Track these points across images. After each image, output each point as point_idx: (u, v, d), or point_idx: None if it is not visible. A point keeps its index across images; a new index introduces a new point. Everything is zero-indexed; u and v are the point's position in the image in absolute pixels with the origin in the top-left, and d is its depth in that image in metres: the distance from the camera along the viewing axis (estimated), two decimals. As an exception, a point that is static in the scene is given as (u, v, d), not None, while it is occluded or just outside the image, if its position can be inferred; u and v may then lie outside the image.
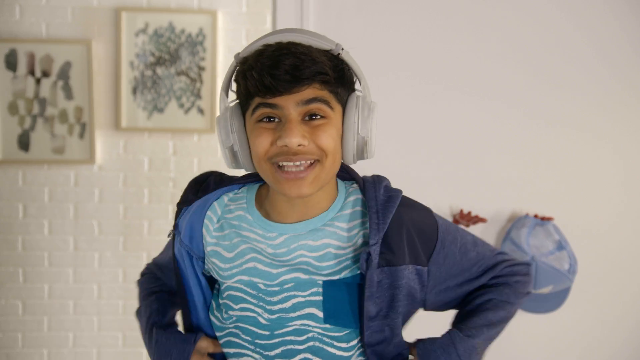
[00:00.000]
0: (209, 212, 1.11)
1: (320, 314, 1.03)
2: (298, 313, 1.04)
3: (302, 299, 1.03)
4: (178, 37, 2.73)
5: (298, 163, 0.96)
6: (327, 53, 0.99)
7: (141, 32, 2.72)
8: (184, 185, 1.18)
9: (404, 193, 1.09)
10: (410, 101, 1.84)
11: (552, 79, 1.86)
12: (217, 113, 2.78)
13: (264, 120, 0.98)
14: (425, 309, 1.13)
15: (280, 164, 0.97)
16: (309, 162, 0.97)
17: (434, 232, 1.08)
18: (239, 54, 1.02)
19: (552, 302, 1.88)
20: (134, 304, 2.88)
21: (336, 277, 1.03)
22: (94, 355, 2.88)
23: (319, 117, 0.97)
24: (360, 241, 1.04)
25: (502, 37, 1.85)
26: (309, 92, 0.96)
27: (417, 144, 1.86)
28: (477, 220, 1.87)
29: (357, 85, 1.06)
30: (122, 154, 2.83)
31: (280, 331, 1.05)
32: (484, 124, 1.88)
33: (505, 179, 1.90)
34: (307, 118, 0.97)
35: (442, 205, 1.89)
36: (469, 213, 1.87)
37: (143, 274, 1.30)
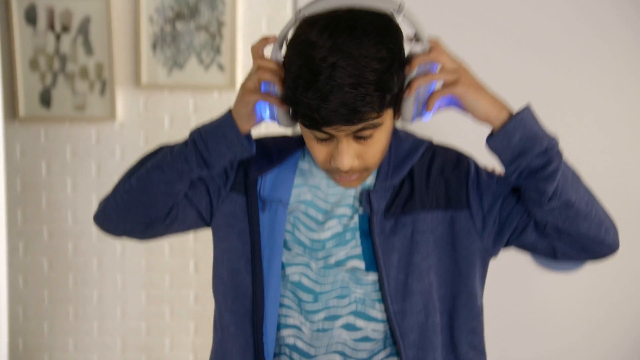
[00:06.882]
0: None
1: (363, 265, 1.10)
2: (342, 268, 1.11)
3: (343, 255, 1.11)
4: (197, -10, 2.66)
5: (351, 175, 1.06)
6: (383, 59, 0.95)
7: (160, -14, 2.66)
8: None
9: None
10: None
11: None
12: (238, 69, 2.71)
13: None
14: (495, 248, 1.11)
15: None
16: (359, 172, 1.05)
17: (465, 160, 1.13)
18: (300, 11, 0.98)
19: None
20: (158, 262, 2.88)
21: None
22: (118, 312, 2.90)
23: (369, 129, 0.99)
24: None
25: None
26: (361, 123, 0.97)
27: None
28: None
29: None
30: (143, 111, 2.80)
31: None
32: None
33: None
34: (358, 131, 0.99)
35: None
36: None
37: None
